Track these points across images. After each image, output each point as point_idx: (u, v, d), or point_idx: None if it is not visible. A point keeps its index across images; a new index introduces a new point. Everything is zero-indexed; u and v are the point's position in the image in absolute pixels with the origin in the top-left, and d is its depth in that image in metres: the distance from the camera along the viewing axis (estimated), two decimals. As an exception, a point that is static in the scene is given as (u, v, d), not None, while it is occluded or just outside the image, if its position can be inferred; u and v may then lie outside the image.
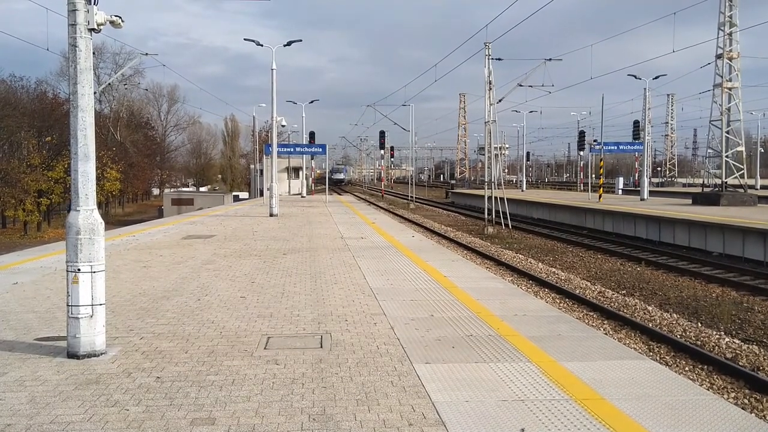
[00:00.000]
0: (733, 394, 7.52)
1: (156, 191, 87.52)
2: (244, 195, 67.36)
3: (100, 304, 5.59)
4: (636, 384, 4.94)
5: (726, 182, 29.50)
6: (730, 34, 28.54)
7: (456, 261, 12.36)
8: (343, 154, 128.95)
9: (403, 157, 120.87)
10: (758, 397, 7.39)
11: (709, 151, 31.75)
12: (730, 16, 28.38)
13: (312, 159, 53.30)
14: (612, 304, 12.37)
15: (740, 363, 8.60)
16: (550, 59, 31.85)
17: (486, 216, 29.42)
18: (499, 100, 30.81)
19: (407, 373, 5.18)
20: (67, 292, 5.55)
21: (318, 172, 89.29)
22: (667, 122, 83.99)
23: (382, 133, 52.95)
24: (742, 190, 29.81)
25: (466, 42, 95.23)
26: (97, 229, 5.60)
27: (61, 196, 47.94)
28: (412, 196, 52.02)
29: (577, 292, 13.48)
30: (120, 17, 5.88)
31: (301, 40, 27.31)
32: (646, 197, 34.99)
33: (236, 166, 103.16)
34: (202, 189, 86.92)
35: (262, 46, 26.93)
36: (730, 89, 28.87)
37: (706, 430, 4.07)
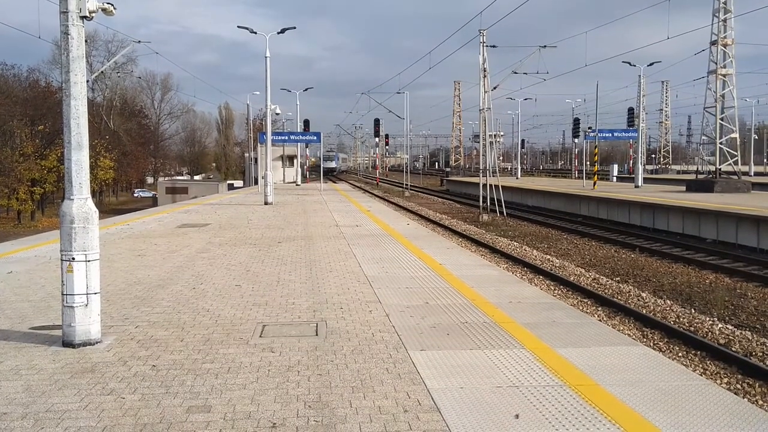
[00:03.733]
0: (725, 380, 7.59)
1: (150, 180, 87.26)
2: (238, 183, 67.33)
3: (95, 293, 5.59)
4: (629, 370, 4.97)
5: (720, 169, 29.55)
6: (724, 21, 28.51)
7: (451, 248, 12.39)
8: (338, 142, 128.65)
9: (398, 145, 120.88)
10: (750, 383, 7.45)
11: (703, 138, 31.85)
12: (725, 3, 28.33)
13: (307, 147, 53.11)
14: (606, 291, 12.43)
15: (733, 349, 8.66)
16: (545, 46, 31.77)
17: (481, 204, 29.43)
18: (494, 88, 30.68)
19: (402, 360, 5.21)
20: (62, 281, 5.54)
21: (313, 160, 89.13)
22: (662, 109, 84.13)
23: (376, 121, 52.89)
24: (736, 177, 29.88)
25: (461, 29, 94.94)
26: (91, 217, 5.59)
27: (54, 185, 47.85)
28: (407, 184, 51.98)
29: (572, 279, 13.53)
30: (112, 4, 5.83)
31: (294, 28, 27.23)
32: (640, 184, 35.09)
33: (231, 155, 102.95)
34: (196, 177, 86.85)
35: (255, 33, 26.89)
36: (724, 76, 28.88)
37: (698, 414, 4.10)
